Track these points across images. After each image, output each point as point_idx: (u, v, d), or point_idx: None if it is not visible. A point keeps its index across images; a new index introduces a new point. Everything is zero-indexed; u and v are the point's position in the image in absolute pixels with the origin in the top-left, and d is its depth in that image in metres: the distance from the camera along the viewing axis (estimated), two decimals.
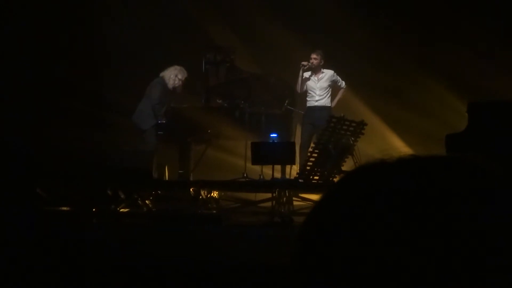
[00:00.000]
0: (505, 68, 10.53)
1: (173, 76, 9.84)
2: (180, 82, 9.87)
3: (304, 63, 9.81)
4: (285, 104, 9.99)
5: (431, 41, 11.25)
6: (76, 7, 11.57)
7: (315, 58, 9.80)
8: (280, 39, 11.50)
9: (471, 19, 10.68)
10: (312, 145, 9.19)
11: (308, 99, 9.92)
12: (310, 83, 9.89)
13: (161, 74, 9.93)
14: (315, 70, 9.86)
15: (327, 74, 9.88)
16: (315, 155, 8.74)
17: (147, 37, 11.62)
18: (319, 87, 9.85)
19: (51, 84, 11.30)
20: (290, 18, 11.56)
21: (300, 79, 9.80)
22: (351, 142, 8.81)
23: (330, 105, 9.89)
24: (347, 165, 8.93)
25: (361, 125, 9.00)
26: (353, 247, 0.67)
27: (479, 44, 10.77)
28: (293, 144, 9.16)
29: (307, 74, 9.88)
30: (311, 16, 11.62)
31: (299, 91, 9.89)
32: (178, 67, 9.93)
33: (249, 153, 9.02)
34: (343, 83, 9.96)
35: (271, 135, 9.47)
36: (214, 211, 8.71)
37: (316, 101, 9.90)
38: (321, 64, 9.85)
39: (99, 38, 11.68)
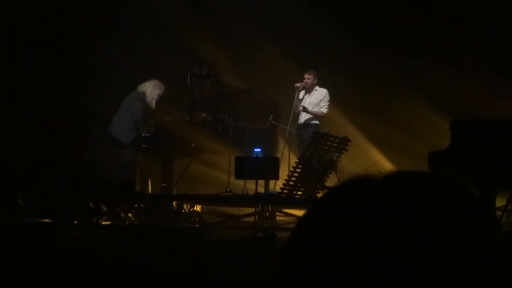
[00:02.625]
0: (488, 87, 10.63)
1: (155, 95, 9.81)
2: (159, 97, 9.86)
3: (298, 84, 9.85)
4: (270, 119, 10.01)
5: (415, 59, 11.34)
6: (63, 20, 11.55)
7: (308, 78, 9.87)
8: (265, 55, 11.55)
9: (454, 38, 10.79)
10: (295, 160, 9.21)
11: (299, 116, 9.94)
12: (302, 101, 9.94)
13: (141, 90, 9.85)
14: (309, 89, 9.91)
15: (319, 91, 9.91)
16: (299, 170, 8.76)
17: (133, 50, 11.62)
18: (307, 102, 9.88)
19: (34, 94, 11.25)
20: (275, 35, 11.62)
21: (296, 100, 9.83)
22: (335, 158, 8.84)
23: (317, 122, 9.89)
24: (331, 181, 8.95)
25: (345, 141, 9.03)
26: (338, 263, 0.68)
27: (462, 63, 10.87)
28: (277, 159, 9.17)
29: (301, 95, 9.91)
30: (297, 33, 11.69)
31: (296, 112, 9.88)
32: (156, 82, 9.88)
33: (232, 168, 9.02)
34: (326, 108, 9.91)
35: (255, 150, 9.48)
36: (197, 225, 8.68)
37: (303, 117, 9.92)
38: (314, 83, 9.90)
39: (85, 50, 11.65)
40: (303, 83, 9.87)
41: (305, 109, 9.81)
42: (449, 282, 0.67)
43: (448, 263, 0.67)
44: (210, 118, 10.14)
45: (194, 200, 9.10)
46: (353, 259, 0.68)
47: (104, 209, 8.65)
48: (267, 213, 8.24)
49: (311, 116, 9.90)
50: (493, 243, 0.70)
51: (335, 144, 8.95)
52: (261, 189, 9.04)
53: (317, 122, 9.91)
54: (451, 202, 0.71)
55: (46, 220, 8.30)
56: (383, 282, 0.67)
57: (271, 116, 10.03)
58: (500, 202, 7.55)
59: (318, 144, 8.87)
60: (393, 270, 0.67)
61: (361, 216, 0.70)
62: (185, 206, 9.03)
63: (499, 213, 7.50)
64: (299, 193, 8.83)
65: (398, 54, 11.39)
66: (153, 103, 9.82)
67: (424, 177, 0.74)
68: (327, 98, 9.90)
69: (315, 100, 9.90)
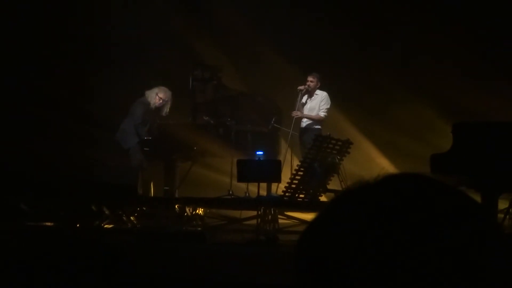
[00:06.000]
0: (491, 89, 10.62)
1: (153, 95, 9.87)
2: (161, 100, 9.87)
3: (301, 87, 9.84)
4: (272, 122, 10.01)
5: (417, 62, 11.33)
6: (66, 23, 11.57)
7: (311, 81, 9.85)
8: (267, 58, 11.56)
9: (457, 40, 10.78)
10: (298, 163, 9.21)
11: (301, 120, 9.94)
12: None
13: (145, 93, 9.96)
14: (311, 93, 9.91)
15: (319, 95, 9.92)
16: (301, 173, 8.76)
17: (136, 54, 11.63)
18: (308, 107, 9.89)
19: (38, 98, 11.26)
20: (277, 38, 11.62)
21: (298, 103, 9.82)
22: (337, 160, 8.83)
23: (319, 125, 9.89)
24: (333, 184, 8.95)
25: (347, 144, 9.03)
26: (342, 266, 0.69)
27: (465, 65, 10.86)
28: (279, 162, 9.17)
29: (304, 98, 9.91)
30: (299, 36, 11.69)
31: (298, 114, 9.88)
32: (161, 87, 9.96)
33: (234, 171, 9.01)
34: (324, 112, 9.90)
35: (257, 153, 9.48)
36: (199, 228, 8.69)
37: (305, 121, 9.93)
38: (317, 86, 9.90)
39: (88, 54, 11.67)
40: (306, 86, 9.86)
41: (304, 116, 9.81)
42: (449, 284, 0.67)
43: (447, 264, 0.68)
44: (212, 121, 10.14)
45: (196, 203, 9.11)
46: (355, 262, 0.68)
47: (107, 212, 8.66)
48: (269, 216, 8.25)
49: (312, 119, 9.90)
50: (489, 243, 0.71)
51: (337, 147, 8.95)
52: (263, 192, 9.04)
53: (319, 125, 9.91)
54: (451, 209, 0.72)
55: (49, 224, 8.31)
56: (384, 282, 0.67)
57: (273, 119, 10.03)
58: (502, 204, 7.54)
59: (320, 147, 8.87)
60: (392, 272, 0.67)
61: (362, 221, 0.70)
62: (187, 209, 9.03)
63: (501, 215, 7.49)
64: (301, 196, 8.83)
65: (401, 56, 11.39)
66: (152, 104, 9.85)
67: (424, 182, 0.74)
68: (326, 101, 9.87)
69: (316, 104, 9.90)
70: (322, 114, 9.85)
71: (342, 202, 0.76)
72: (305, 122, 9.95)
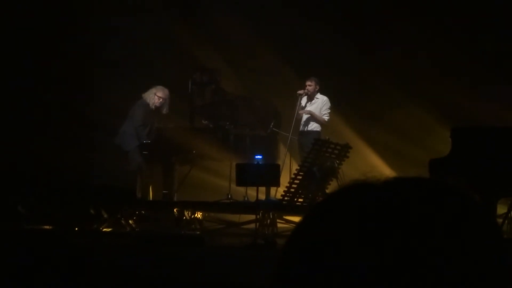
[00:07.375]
0: (489, 94, 10.63)
1: (152, 95, 9.86)
2: (161, 99, 9.84)
3: (300, 91, 9.89)
4: (271, 126, 10.02)
5: (416, 66, 11.34)
6: (66, 25, 11.58)
7: (309, 85, 9.90)
8: (266, 61, 11.56)
9: (456, 45, 10.79)
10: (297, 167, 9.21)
11: (300, 124, 9.97)
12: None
13: (142, 95, 9.95)
14: (310, 96, 9.94)
15: (320, 99, 9.94)
16: (300, 177, 8.76)
17: (135, 58, 11.63)
18: (308, 111, 9.92)
19: (36, 101, 11.26)
20: (276, 42, 11.64)
21: (298, 107, 9.86)
22: (336, 165, 8.84)
23: (318, 129, 9.91)
24: (331, 188, 8.94)
25: (346, 148, 9.04)
26: (337, 266, 0.68)
27: (463, 70, 10.87)
28: (278, 166, 9.18)
29: (303, 102, 9.94)
30: (297, 40, 11.70)
31: (298, 118, 9.92)
32: (158, 87, 9.94)
33: (233, 174, 9.02)
34: (327, 116, 9.94)
35: (256, 157, 9.48)
36: (198, 232, 8.68)
37: (304, 125, 9.94)
38: (316, 90, 9.93)
39: (86, 57, 11.67)
40: (305, 90, 9.90)
41: (309, 112, 9.84)
42: (448, 284, 0.67)
43: (449, 268, 0.68)
44: (211, 125, 10.14)
45: (195, 207, 9.10)
46: (353, 263, 0.68)
47: (105, 215, 8.64)
48: (268, 220, 8.24)
49: (313, 123, 9.92)
50: (494, 247, 0.71)
51: (336, 151, 8.95)
52: (262, 196, 9.03)
53: (319, 129, 9.92)
54: (452, 208, 0.71)
55: (47, 227, 8.30)
56: (380, 284, 0.67)
57: (272, 123, 10.04)
58: (501, 209, 7.54)
59: (319, 151, 8.88)
60: (391, 274, 0.67)
61: (361, 221, 0.70)
62: (186, 213, 9.02)
63: (500, 220, 7.49)
64: (300, 200, 8.83)
65: (399, 60, 11.39)
66: (151, 104, 9.83)
67: (424, 183, 0.74)
68: (328, 105, 9.92)
69: (316, 108, 9.94)
70: (325, 117, 9.90)
71: (338, 201, 0.75)
72: (304, 126, 9.96)
